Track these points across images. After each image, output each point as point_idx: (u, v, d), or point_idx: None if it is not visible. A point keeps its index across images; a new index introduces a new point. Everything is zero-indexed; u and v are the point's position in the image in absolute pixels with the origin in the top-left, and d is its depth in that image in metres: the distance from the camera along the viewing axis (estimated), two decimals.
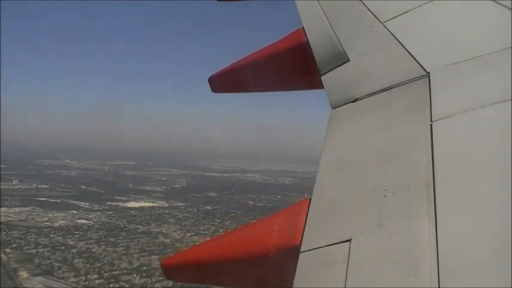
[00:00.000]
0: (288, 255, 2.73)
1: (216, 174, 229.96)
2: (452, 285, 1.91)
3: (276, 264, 2.98)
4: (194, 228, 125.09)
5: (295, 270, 2.51)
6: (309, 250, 2.59)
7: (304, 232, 2.76)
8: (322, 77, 4.11)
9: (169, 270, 3.79)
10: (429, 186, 2.37)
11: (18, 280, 77.70)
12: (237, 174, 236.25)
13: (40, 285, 77.04)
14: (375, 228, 2.40)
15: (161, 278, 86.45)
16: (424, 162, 2.53)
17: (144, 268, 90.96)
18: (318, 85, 4.18)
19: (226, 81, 5.53)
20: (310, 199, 2.98)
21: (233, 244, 3.44)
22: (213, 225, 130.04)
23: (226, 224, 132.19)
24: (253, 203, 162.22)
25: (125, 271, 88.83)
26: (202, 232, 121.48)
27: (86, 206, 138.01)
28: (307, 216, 2.85)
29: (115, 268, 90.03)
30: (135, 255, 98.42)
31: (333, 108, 3.69)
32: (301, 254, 2.61)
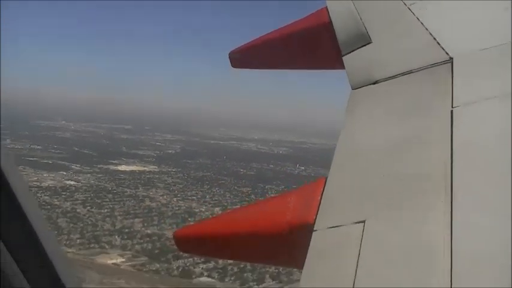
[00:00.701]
0: (301, 233, 2.74)
1: (211, 141, 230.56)
2: (464, 272, 1.91)
3: (288, 241, 2.97)
4: (182, 193, 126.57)
5: (307, 249, 2.52)
6: (323, 229, 2.59)
7: (319, 211, 2.75)
8: (343, 58, 4.08)
9: (181, 242, 3.78)
10: (447, 174, 2.36)
11: None
12: (232, 142, 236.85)
13: None
14: (390, 212, 2.41)
15: (141, 241, 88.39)
16: (443, 150, 2.51)
17: (126, 230, 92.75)
18: (338, 66, 4.19)
19: (247, 58, 5.53)
20: (327, 178, 2.99)
21: (247, 219, 3.45)
22: (201, 191, 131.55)
23: (214, 190, 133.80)
24: (244, 171, 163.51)
25: (107, 232, 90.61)
26: (189, 197, 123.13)
27: (77, 168, 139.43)
28: (322, 195, 2.85)
29: (97, 229, 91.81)
30: (119, 217, 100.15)
31: (353, 89, 3.66)
32: (314, 233, 2.61)
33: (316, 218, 2.71)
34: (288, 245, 2.97)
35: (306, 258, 2.47)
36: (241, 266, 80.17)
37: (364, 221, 2.41)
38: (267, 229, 3.13)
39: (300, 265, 2.56)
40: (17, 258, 1.59)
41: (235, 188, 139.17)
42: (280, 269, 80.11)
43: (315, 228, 2.63)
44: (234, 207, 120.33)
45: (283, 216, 3.01)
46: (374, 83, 3.54)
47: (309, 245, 2.53)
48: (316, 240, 2.54)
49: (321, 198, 2.84)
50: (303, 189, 3.13)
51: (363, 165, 2.91)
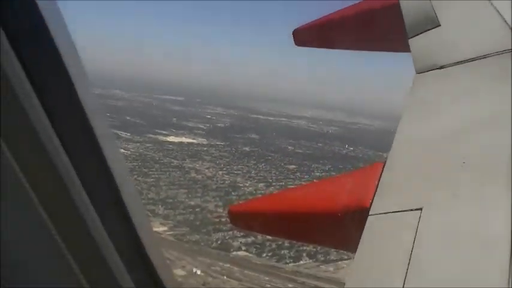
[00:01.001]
0: (356, 217, 2.75)
1: (261, 117, 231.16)
2: None
3: (343, 224, 2.99)
4: (227, 167, 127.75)
5: (361, 233, 2.51)
6: (378, 214, 2.57)
7: (375, 195, 2.74)
8: (409, 40, 3.94)
9: (236, 217, 3.86)
10: (510, 161, 2.30)
11: None
12: (282, 119, 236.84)
13: None
14: (449, 200, 2.35)
15: (184, 212, 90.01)
16: (507, 137, 2.45)
17: (170, 200, 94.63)
18: (402, 48, 4.10)
19: (311, 36, 5.53)
20: (385, 162, 2.98)
21: (302, 199, 3.47)
22: (247, 166, 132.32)
23: (260, 166, 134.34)
24: (292, 148, 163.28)
25: (151, 201, 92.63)
26: (234, 172, 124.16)
27: (127, 137, 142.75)
28: (379, 179, 2.85)
29: (142, 198, 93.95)
30: (163, 187, 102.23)
31: (417, 73, 3.56)
32: (369, 217, 2.59)
33: (372, 203, 2.71)
34: (342, 227, 3.00)
35: (358, 242, 2.45)
36: (279, 242, 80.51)
37: (421, 209, 2.37)
38: (322, 210, 3.17)
39: (352, 248, 2.56)
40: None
41: (282, 164, 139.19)
42: (318, 248, 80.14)
43: (370, 213, 2.62)
44: (278, 184, 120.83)
45: (340, 198, 3.05)
46: (440, 68, 3.45)
47: (363, 229, 2.53)
48: (371, 225, 2.53)
49: (378, 182, 2.84)
50: (361, 172, 3.18)
51: (424, 151, 2.87)
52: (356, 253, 2.40)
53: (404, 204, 2.48)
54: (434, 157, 2.74)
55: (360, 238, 2.47)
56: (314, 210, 3.23)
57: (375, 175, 2.91)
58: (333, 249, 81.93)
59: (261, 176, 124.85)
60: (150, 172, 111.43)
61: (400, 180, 2.77)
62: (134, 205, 1.49)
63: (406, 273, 2.06)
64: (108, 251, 1.37)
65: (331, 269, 74.80)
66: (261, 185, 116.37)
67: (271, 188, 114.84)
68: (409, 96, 3.35)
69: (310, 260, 76.79)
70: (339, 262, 77.06)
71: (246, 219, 3.82)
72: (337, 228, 3.07)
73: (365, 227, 2.54)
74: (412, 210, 2.40)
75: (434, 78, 3.40)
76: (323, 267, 75.16)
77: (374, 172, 2.95)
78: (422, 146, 2.92)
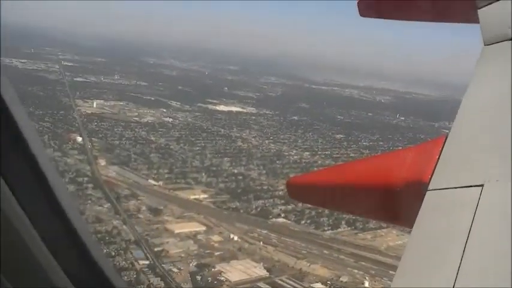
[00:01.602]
0: (415, 191, 2.71)
1: (313, 86, 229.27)
2: None
3: (401, 198, 2.97)
4: (274, 136, 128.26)
5: (418, 208, 2.47)
6: (437, 189, 2.53)
7: (435, 170, 2.69)
8: (478, 11, 3.76)
9: (294, 190, 3.87)
10: None
11: (95, 167, 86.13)
12: (335, 88, 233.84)
13: (114, 173, 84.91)
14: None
15: (226, 180, 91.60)
16: None
17: (214, 168, 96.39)
18: (471, 19, 3.95)
19: (377, 7, 5.38)
20: (446, 137, 2.91)
21: (361, 172, 3.45)
22: (294, 135, 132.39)
23: (307, 135, 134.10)
24: (341, 118, 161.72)
25: (195, 169, 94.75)
26: (280, 140, 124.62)
27: (177, 106, 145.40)
28: (440, 154, 2.79)
29: (186, 165, 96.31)
30: (208, 155, 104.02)
31: (485, 45, 3.46)
32: (428, 192, 2.56)
33: (431, 178, 2.66)
34: (399, 202, 3.00)
35: (415, 217, 2.42)
36: (319, 210, 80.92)
37: (482, 185, 2.31)
38: (381, 184, 3.15)
39: (408, 224, 2.55)
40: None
41: (329, 134, 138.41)
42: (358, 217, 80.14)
43: (429, 188, 2.58)
44: (324, 153, 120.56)
45: (399, 172, 3.02)
46: (510, 39, 3.31)
47: (421, 205, 2.50)
48: (429, 201, 2.49)
49: (439, 157, 2.79)
50: (421, 146, 3.12)
51: (488, 124, 2.79)
52: (413, 229, 2.38)
53: (465, 180, 2.42)
54: (500, 132, 2.61)
55: (418, 214, 2.44)
56: (372, 184, 3.23)
57: (436, 149, 2.85)
58: (382, 222, 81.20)
59: (307, 145, 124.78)
60: (197, 141, 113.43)
61: (462, 155, 2.69)
62: (68, 205, 1.60)
63: (464, 251, 2.02)
64: (39, 251, 1.47)
65: (368, 236, 74.67)
66: (306, 154, 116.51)
67: (316, 157, 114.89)
68: (476, 69, 3.25)
69: (349, 228, 76.82)
70: (378, 230, 76.81)
71: (303, 192, 3.84)
72: (395, 202, 3.05)
73: (423, 202, 2.50)
74: (472, 186, 2.34)
75: (504, 50, 3.25)
76: (361, 235, 75.12)
77: (435, 146, 2.89)
78: (488, 120, 2.82)
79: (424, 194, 2.55)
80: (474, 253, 2.02)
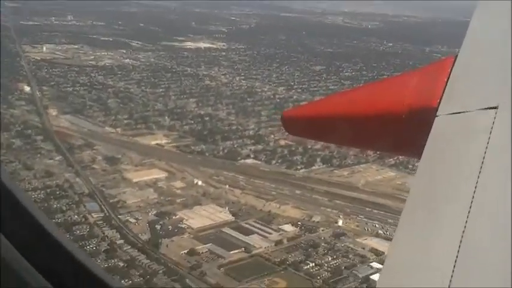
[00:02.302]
0: (422, 118, 2.72)
1: (291, 15, 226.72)
2: None
3: (406, 126, 2.97)
4: (246, 72, 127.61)
5: (426, 136, 2.45)
6: (447, 114, 2.52)
7: (444, 94, 2.68)
8: None
9: (289, 123, 3.93)
10: None
11: (45, 118, 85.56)
12: (317, 16, 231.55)
13: (67, 123, 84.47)
14: None
15: (192, 122, 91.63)
16: None
17: (178, 111, 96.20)
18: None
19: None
20: (456, 57, 2.89)
21: (363, 100, 3.43)
22: (268, 69, 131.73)
23: (283, 69, 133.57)
24: (322, 48, 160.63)
25: (157, 113, 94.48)
26: (253, 76, 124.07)
27: (138, 46, 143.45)
28: (449, 76, 2.78)
29: (147, 109, 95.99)
30: (172, 97, 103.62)
31: None
32: (437, 118, 2.55)
33: (440, 102, 2.65)
34: (405, 129, 2.98)
35: (423, 146, 2.38)
36: (292, 148, 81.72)
37: (496, 107, 2.28)
38: (385, 111, 3.12)
39: (416, 153, 2.53)
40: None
41: (307, 66, 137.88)
42: (334, 152, 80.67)
43: (438, 113, 2.57)
44: (301, 87, 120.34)
45: (404, 98, 3.00)
46: None
47: (429, 132, 2.47)
48: (439, 127, 2.47)
49: (447, 79, 2.77)
50: (428, 69, 3.11)
51: (503, 43, 2.72)
52: (421, 159, 2.33)
53: (478, 102, 2.38)
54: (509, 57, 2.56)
55: (426, 142, 2.41)
56: (376, 112, 3.20)
57: (444, 72, 2.84)
58: (351, 153, 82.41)
59: (282, 79, 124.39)
60: (160, 82, 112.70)
61: (474, 76, 2.66)
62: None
63: (477, 181, 1.98)
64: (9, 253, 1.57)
65: (345, 173, 75.64)
66: (281, 89, 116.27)
67: (291, 92, 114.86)
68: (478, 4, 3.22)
69: (324, 165, 77.74)
70: (355, 166, 77.73)
71: (299, 125, 3.80)
72: (401, 131, 3.02)
73: (432, 129, 2.47)
74: (486, 109, 2.31)
75: None
76: (337, 172, 76.09)
77: (442, 69, 2.87)
78: (501, 38, 2.78)
79: (433, 121, 2.53)
80: (490, 183, 1.96)
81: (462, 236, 1.85)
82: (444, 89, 2.70)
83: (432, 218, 2.03)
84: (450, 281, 1.78)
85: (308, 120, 3.64)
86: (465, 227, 1.87)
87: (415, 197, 2.22)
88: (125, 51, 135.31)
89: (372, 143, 3.63)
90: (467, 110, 2.40)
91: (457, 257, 1.83)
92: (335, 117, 3.44)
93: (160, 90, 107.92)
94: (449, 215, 1.99)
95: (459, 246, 1.84)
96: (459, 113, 2.43)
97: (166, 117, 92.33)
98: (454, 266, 1.80)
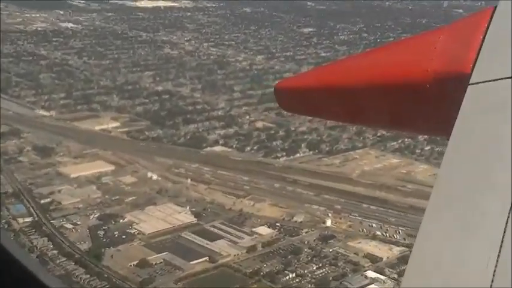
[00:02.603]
0: (451, 87, 2.73)
1: None
2: None
3: (432, 98, 2.96)
4: (216, 37, 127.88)
5: (457, 110, 2.46)
6: (482, 82, 2.52)
7: (478, 57, 2.67)
8: None
9: (283, 97, 3.98)
10: None
11: None
12: None
13: None
14: None
15: (147, 101, 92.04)
16: None
17: (129, 87, 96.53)
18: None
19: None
20: (494, 9, 2.85)
21: (374, 68, 3.41)
22: (244, 33, 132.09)
23: (263, 32, 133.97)
24: (313, 5, 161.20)
25: (103, 90, 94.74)
26: (225, 42, 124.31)
27: (80, 5, 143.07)
28: (485, 35, 2.76)
29: (91, 86, 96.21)
30: (123, 70, 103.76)
31: None
32: (469, 88, 2.55)
33: (473, 67, 2.65)
34: (429, 102, 2.97)
35: (452, 123, 2.41)
36: (272, 132, 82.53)
37: None
38: (402, 81, 3.11)
39: (442, 131, 2.62)
40: None
41: (293, 28, 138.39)
42: (324, 136, 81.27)
43: (471, 81, 2.57)
44: (284, 54, 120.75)
45: (426, 63, 2.99)
46: None
47: (460, 103, 2.48)
48: (472, 98, 2.48)
49: (483, 38, 2.74)
50: (457, 25, 3.09)
51: None
52: (451, 138, 2.38)
53: None
54: None
55: (457, 115, 2.43)
56: (392, 81, 3.18)
57: (479, 28, 2.79)
58: (344, 136, 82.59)
59: (261, 45, 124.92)
60: (107, 52, 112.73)
61: None
62: None
63: None
64: None
65: (336, 161, 76.57)
66: (259, 58, 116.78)
67: (272, 61, 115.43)
68: None
69: (310, 152, 78.60)
70: (350, 152, 78.50)
71: (295, 99, 3.85)
72: (424, 104, 3.01)
73: (463, 101, 2.48)
74: None
75: None
76: (326, 160, 76.97)
77: (477, 24, 2.82)
78: None
79: (464, 91, 2.52)
80: None
81: (504, 232, 1.92)
82: (479, 50, 2.66)
83: (467, 210, 2.10)
84: (492, 281, 1.84)
85: (308, 92, 3.66)
86: (507, 221, 1.94)
87: (444, 185, 2.28)
88: (62, 13, 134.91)
89: (387, 120, 3.57)
90: (507, 76, 2.39)
91: (498, 256, 1.88)
92: (342, 88, 3.45)
93: (108, 61, 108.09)
94: (487, 208, 2.04)
95: (501, 243, 1.90)
96: (498, 80, 2.41)
97: (114, 96, 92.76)
98: (496, 266, 1.86)
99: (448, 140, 2.35)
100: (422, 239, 2.09)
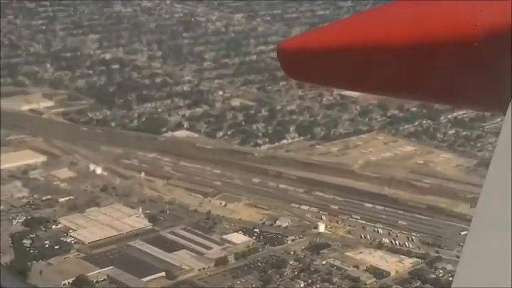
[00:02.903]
0: (505, 46, 2.80)
1: None
2: None
3: (481, 57, 3.02)
4: None
5: (507, 70, 2.61)
6: None
7: None
8: None
9: (291, 60, 4.03)
10: None
11: None
12: None
13: None
14: None
15: (91, 72, 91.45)
16: None
17: (67, 55, 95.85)
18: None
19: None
20: None
21: (409, 23, 3.46)
22: None
23: None
24: None
25: (33, 59, 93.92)
26: None
27: None
28: None
29: (18, 53, 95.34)
30: (60, 32, 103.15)
31: None
32: None
33: None
34: (478, 63, 2.99)
35: (504, 92, 2.50)
36: (251, 112, 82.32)
37: None
38: (446, 38, 3.11)
39: (493, 99, 2.77)
40: None
41: None
42: (319, 117, 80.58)
43: None
44: (270, 12, 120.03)
45: (474, 18, 2.99)
46: None
47: (508, 63, 2.56)
48: None
49: None
50: None
51: None
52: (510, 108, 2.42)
53: None
54: None
55: (507, 78, 2.51)
56: (433, 38, 3.19)
57: None
58: (339, 118, 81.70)
59: (240, 0, 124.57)
60: (40, 8, 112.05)
61: None
62: None
63: None
64: None
65: (334, 149, 76.43)
66: (237, 16, 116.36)
67: (255, 21, 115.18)
68: None
69: (301, 137, 78.40)
70: (351, 138, 77.99)
71: (314, 63, 3.84)
72: (473, 65, 3.04)
73: None
74: None
75: None
76: (321, 147, 76.84)
77: None
78: None
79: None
80: None
81: None
82: None
83: None
84: None
85: (327, 53, 3.66)
86: None
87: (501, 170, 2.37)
88: None
89: (426, 86, 3.52)
90: None
91: None
92: (373, 48, 3.45)
93: (40, 21, 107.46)
94: None
95: None
96: None
97: (47, 66, 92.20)
98: None
99: (504, 115, 2.47)
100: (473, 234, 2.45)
